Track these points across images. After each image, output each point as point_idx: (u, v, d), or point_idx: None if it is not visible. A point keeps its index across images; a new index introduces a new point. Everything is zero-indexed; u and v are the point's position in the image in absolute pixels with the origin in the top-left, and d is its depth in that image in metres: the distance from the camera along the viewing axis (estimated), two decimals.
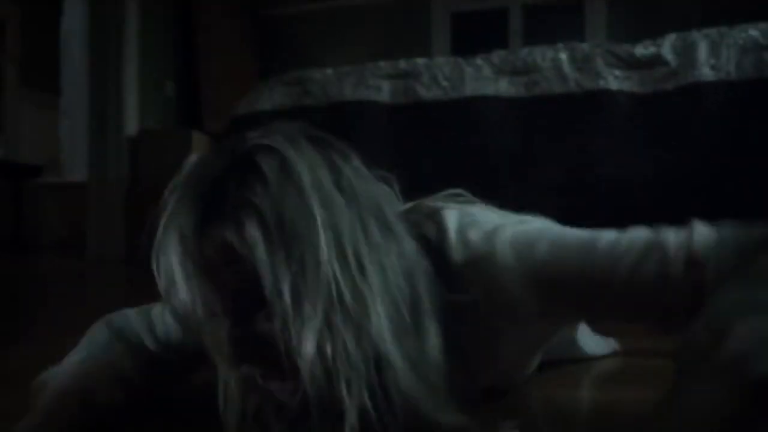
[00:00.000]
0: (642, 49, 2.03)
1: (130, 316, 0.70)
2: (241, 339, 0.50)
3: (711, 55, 1.93)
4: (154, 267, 0.52)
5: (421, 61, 2.32)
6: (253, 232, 0.47)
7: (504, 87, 2.12)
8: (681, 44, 2.00)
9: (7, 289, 2.25)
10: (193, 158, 0.58)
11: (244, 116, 2.41)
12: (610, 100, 1.97)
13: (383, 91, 2.25)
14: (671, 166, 1.87)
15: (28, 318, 1.55)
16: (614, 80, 2.00)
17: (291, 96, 2.37)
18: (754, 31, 1.93)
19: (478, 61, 2.23)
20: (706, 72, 1.90)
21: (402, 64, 2.31)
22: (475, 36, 4.60)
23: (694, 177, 1.84)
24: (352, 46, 4.78)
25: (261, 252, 0.47)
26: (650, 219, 1.97)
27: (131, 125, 3.72)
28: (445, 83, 2.18)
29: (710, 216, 2.04)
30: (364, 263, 0.50)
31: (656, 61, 1.99)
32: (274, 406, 0.54)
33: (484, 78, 2.15)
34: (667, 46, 2.01)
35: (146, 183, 3.65)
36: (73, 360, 0.65)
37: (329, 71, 2.40)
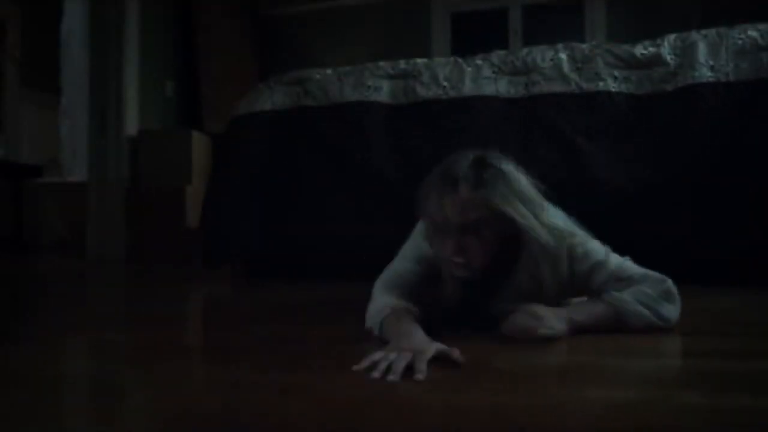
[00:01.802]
0: (642, 49, 2.03)
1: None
2: (459, 243, 1.07)
3: (710, 56, 1.93)
4: (424, 208, 1.12)
5: (421, 61, 2.32)
6: (490, 194, 1.05)
7: (504, 87, 2.12)
8: (680, 45, 2.00)
9: (7, 289, 2.25)
10: (446, 161, 1.12)
11: (244, 116, 2.41)
12: (608, 101, 1.97)
13: (383, 91, 2.25)
14: (670, 167, 1.87)
15: (28, 318, 1.55)
16: (613, 81, 2.00)
17: (291, 96, 2.37)
18: (753, 32, 1.93)
19: (478, 61, 2.23)
20: (704, 73, 1.90)
21: (402, 64, 2.31)
22: (475, 36, 4.61)
23: (693, 177, 1.84)
24: (352, 46, 4.78)
25: (495, 204, 1.05)
26: (648, 219, 1.96)
27: (131, 125, 3.73)
28: (445, 83, 2.18)
29: (710, 215, 2.05)
30: (537, 216, 1.09)
31: (656, 61, 1.99)
32: (458, 279, 1.12)
33: (484, 78, 2.15)
34: (666, 47, 2.01)
35: (146, 183, 3.66)
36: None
37: (329, 71, 2.40)
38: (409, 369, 0.83)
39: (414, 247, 1.25)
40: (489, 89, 2.13)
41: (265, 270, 2.40)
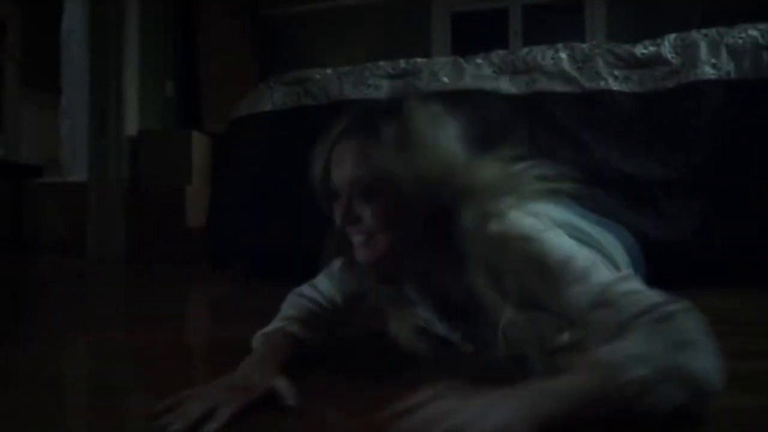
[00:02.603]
0: (642, 49, 2.03)
1: (311, 289, 0.99)
2: (350, 208, 0.80)
3: (711, 55, 1.93)
4: (317, 164, 0.83)
5: (421, 60, 2.32)
6: (391, 150, 0.77)
7: (505, 85, 2.12)
8: (681, 44, 2.00)
9: (7, 289, 2.25)
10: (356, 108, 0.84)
11: (244, 116, 2.41)
12: (610, 99, 1.97)
13: (383, 91, 2.25)
14: (671, 165, 1.87)
15: (28, 318, 1.55)
16: (614, 80, 2.00)
17: (291, 96, 2.37)
18: (753, 32, 1.93)
19: (479, 60, 2.22)
20: (707, 70, 1.90)
21: (402, 63, 2.31)
22: (475, 36, 4.61)
23: (694, 175, 1.84)
24: (352, 46, 4.78)
25: (396, 166, 0.75)
26: (649, 217, 1.95)
27: (131, 125, 3.73)
28: (445, 80, 2.18)
29: (709, 214, 2.04)
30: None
31: (656, 60, 1.99)
32: (364, 267, 0.84)
33: (484, 77, 2.15)
34: (667, 46, 2.01)
35: (146, 183, 3.66)
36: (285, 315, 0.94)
37: (329, 71, 2.40)
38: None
39: None
40: (490, 86, 2.12)
41: (266, 270, 2.40)
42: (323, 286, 0.98)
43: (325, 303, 0.97)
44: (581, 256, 0.74)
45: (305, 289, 1.00)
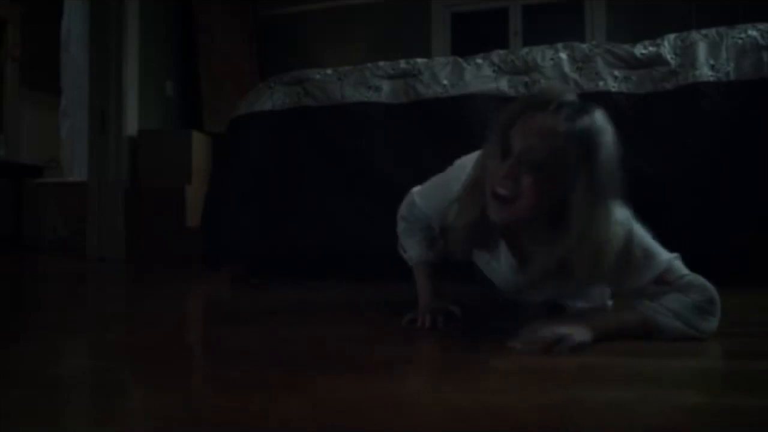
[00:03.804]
0: (642, 49, 2.03)
1: (417, 219, 1.31)
2: (516, 171, 0.93)
3: (710, 55, 1.93)
4: (504, 117, 0.99)
5: (421, 60, 2.32)
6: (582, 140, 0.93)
7: (504, 85, 2.12)
8: (680, 44, 2.00)
9: (7, 289, 2.25)
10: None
11: (244, 116, 2.41)
12: (609, 100, 1.97)
13: (383, 91, 2.25)
14: (670, 166, 1.87)
15: (28, 318, 1.55)
16: (613, 81, 2.00)
17: (291, 96, 2.36)
18: (753, 31, 1.93)
19: (478, 60, 2.22)
20: (705, 72, 1.90)
21: (402, 63, 2.31)
22: (475, 36, 4.61)
23: (693, 176, 1.84)
24: (351, 45, 4.78)
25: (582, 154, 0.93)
26: (649, 218, 1.96)
27: (131, 125, 3.72)
28: (445, 81, 2.18)
29: (708, 215, 2.05)
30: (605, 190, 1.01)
31: (656, 60, 1.99)
32: (493, 209, 1.01)
33: (485, 76, 2.15)
34: (666, 46, 2.01)
35: (146, 183, 3.66)
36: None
37: (329, 71, 2.40)
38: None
39: (454, 179, 1.18)
40: (490, 87, 2.12)
41: (265, 270, 2.40)
42: (422, 214, 1.27)
43: (431, 229, 1.26)
44: (660, 252, 1.07)
45: (415, 216, 1.28)
